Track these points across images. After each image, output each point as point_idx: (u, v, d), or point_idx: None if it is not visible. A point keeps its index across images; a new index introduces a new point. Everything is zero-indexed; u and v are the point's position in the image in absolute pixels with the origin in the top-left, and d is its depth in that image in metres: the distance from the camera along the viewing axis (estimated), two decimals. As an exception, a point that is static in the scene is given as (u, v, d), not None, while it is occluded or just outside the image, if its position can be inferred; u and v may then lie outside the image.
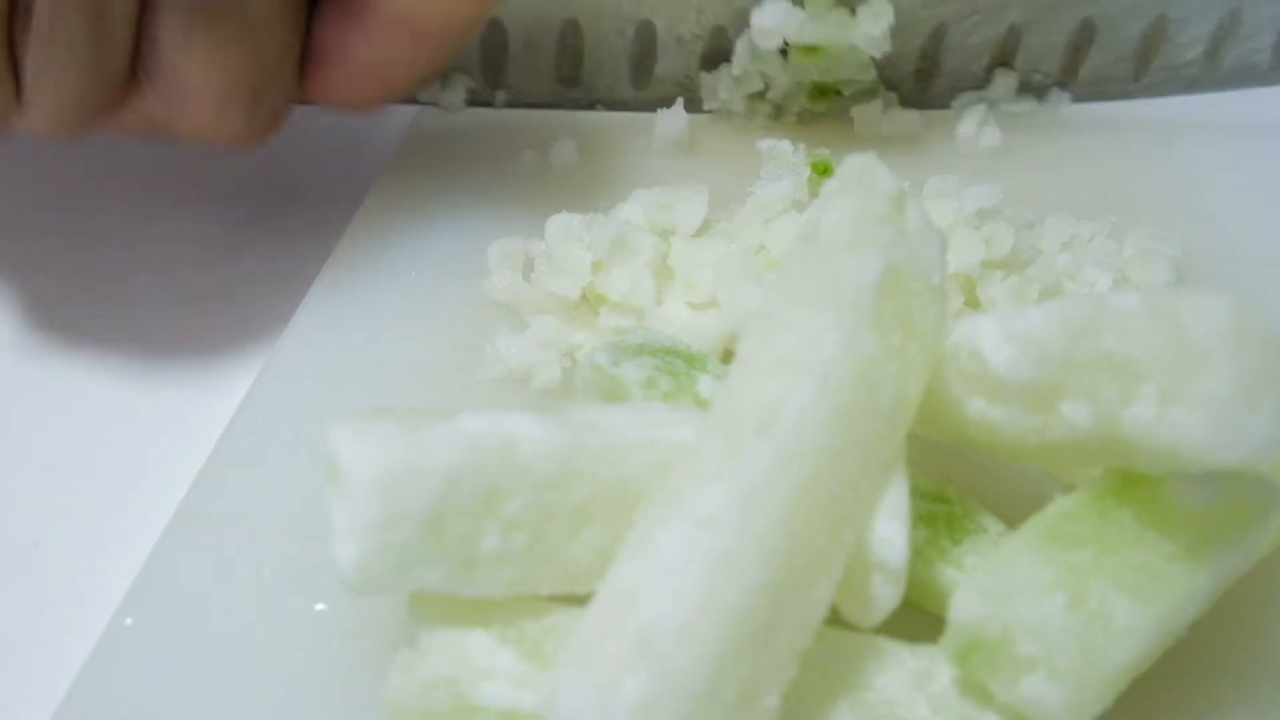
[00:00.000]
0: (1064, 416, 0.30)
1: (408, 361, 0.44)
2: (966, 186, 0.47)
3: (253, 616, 0.36)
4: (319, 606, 0.36)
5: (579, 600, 0.30)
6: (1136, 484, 0.31)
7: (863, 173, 0.33)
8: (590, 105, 0.55)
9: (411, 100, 0.52)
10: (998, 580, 0.30)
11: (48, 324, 0.50)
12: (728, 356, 0.42)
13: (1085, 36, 0.54)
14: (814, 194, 0.48)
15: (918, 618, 0.32)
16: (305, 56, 0.45)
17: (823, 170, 0.49)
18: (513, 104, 0.54)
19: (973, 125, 0.53)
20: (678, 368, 0.38)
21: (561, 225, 0.45)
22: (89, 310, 0.51)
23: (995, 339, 0.31)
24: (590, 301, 0.45)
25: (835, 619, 0.31)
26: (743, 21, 0.52)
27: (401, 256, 0.48)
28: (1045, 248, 0.46)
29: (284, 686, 0.34)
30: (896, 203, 0.32)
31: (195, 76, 0.42)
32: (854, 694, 0.30)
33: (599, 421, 0.32)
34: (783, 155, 0.49)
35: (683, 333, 0.41)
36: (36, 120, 0.42)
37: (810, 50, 0.51)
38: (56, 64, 0.40)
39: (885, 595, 0.31)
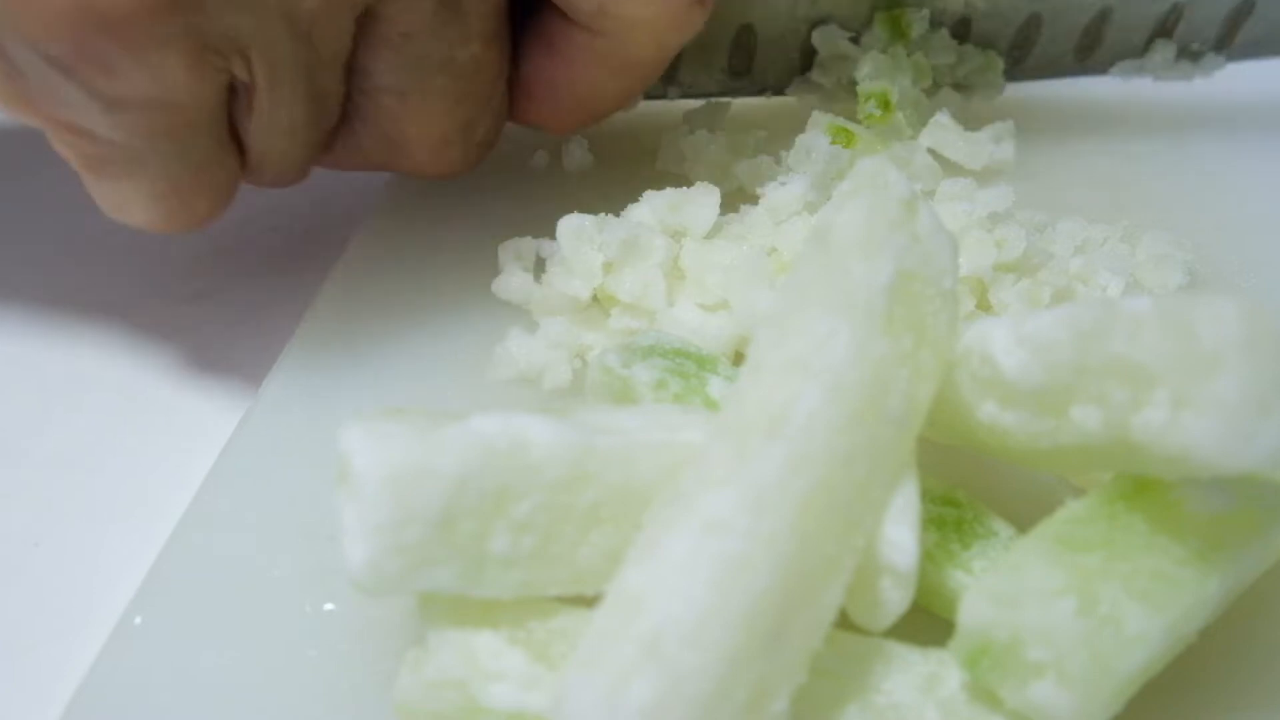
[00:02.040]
0: (1075, 421, 0.30)
1: (418, 362, 0.44)
2: (979, 189, 0.47)
3: (262, 616, 0.36)
4: (328, 606, 0.36)
5: (588, 602, 0.30)
6: (1147, 489, 0.31)
7: (875, 176, 0.33)
8: (760, 92, 0.56)
9: None
10: (1007, 584, 0.30)
11: (51, 322, 0.50)
12: (739, 359, 0.42)
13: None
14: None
15: (927, 622, 0.32)
16: (513, 86, 0.46)
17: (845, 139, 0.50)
18: (684, 96, 0.55)
19: (989, 137, 0.52)
20: (688, 370, 0.38)
21: (573, 226, 0.45)
22: (98, 305, 0.51)
23: (1006, 343, 0.31)
24: (601, 303, 0.45)
25: (844, 622, 0.31)
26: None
27: (413, 256, 0.48)
28: (1057, 251, 0.46)
29: (293, 686, 0.34)
30: (908, 206, 0.32)
31: (410, 129, 0.43)
32: (863, 697, 0.30)
33: (609, 423, 0.32)
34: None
35: (693, 334, 0.41)
36: (261, 180, 0.44)
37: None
38: (279, 139, 0.42)
39: (895, 599, 0.31)
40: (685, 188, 0.47)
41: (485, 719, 0.30)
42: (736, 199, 0.49)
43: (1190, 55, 0.56)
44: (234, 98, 0.40)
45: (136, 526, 0.41)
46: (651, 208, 0.46)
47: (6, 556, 0.41)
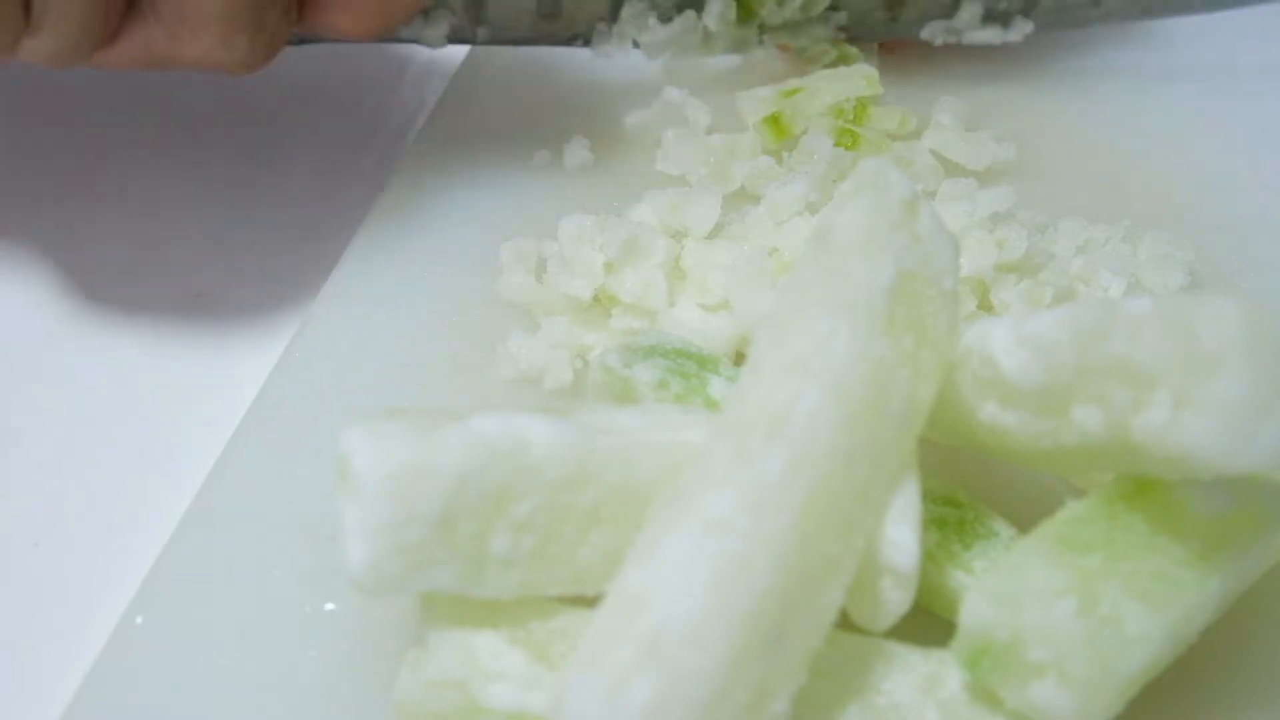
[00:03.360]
0: (1075, 422, 0.30)
1: (420, 362, 0.44)
2: (980, 190, 0.47)
3: (263, 615, 0.36)
4: (329, 606, 0.36)
5: (588, 602, 0.30)
6: (1148, 490, 0.31)
7: (876, 176, 0.33)
8: (569, 40, 0.55)
9: (394, 39, 0.52)
10: (1008, 585, 0.30)
11: (51, 322, 0.50)
12: (739, 359, 0.42)
13: None
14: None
15: (928, 622, 0.32)
16: None
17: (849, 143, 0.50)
18: (493, 40, 0.54)
19: (991, 137, 0.52)
20: (689, 370, 0.38)
21: (574, 226, 0.45)
22: (98, 305, 0.51)
23: (1007, 343, 0.31)
24: (602, 303, 0.45)
25: (845, 623, 0.31)
26: None
27: (415, 256, 0.48)
28: (1059, 251, 0.46)
29: (294, 686, 0.34)
30: (909, 206, 0.32)
31: (199, 2, 0.42)
32: (863, 698, 0.30)
33: (610, 423, 0.32)
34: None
35: (695, 335, 0.41)
36: (41, 46, 0.43)
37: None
38: None
39: (895, 599, 0.31)
40: (686, 188, 0.47)
41: (485, 719, 0.30)
42: (738, 199, 0.49)
43: (998, 18, 0.57)
44: None
45: (136, 526, 0.41)
46: (653, 207, 0.46)
47: (6, 556, 0.41)
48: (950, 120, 0.53)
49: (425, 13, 0.52)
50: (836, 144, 0.50)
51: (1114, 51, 0.60)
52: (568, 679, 0.27)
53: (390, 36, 0.52)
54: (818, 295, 0.31)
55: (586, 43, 0.55)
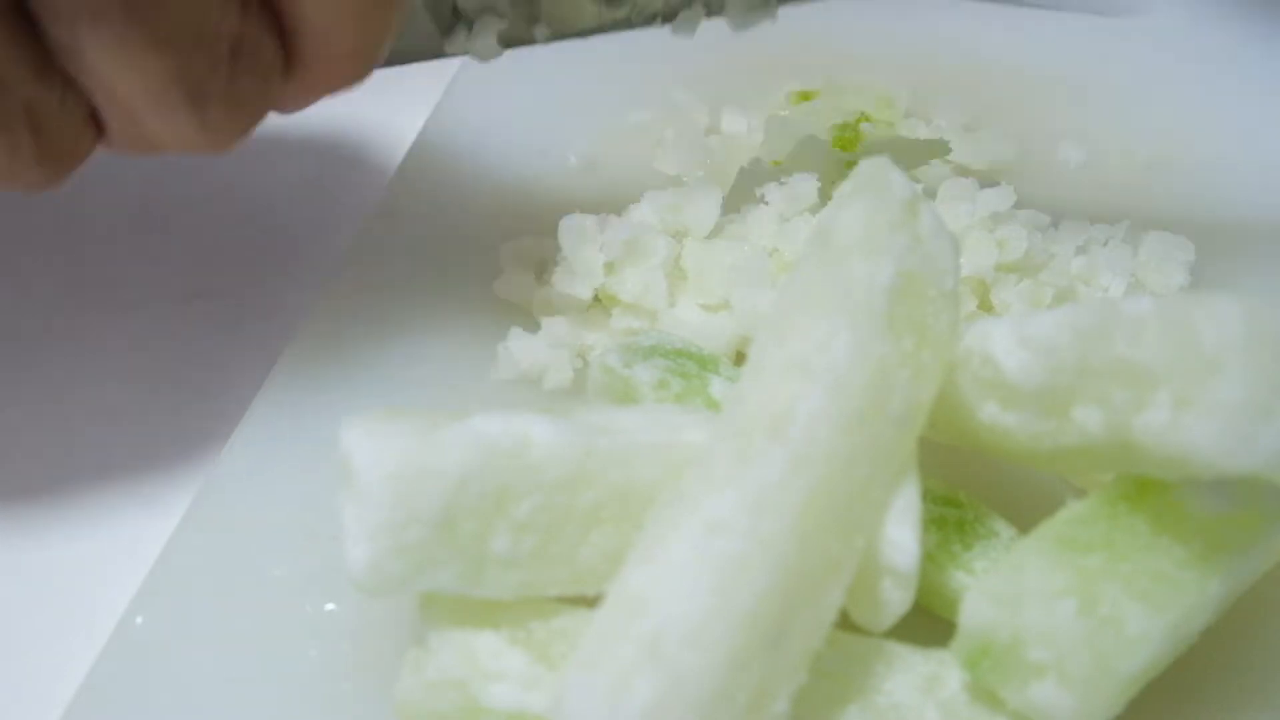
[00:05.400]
0: (1076, 422, 0.30)
1: (420, 361, 0.44)
2: (980, 190, 0.47)
3: (264, 615, 0.36)
4: (330, 606, 0.36)
5: (588, 602, 0.30)
6: (1148, 490, 0.31)
7: (876, 176, 0.33)
8: (645, 23, 0.49)
9: (439, 54, 0.47)
10: (1008, 585, 0.30)
11: (50, 322, 0.50)
12: (740, 359, 0.42)
13: None
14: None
15: (928, 622, 0.32)
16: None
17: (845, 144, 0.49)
18: (555, 37, 0.48)
19: (992, 136, 0.52)
20: (690, 370, 0.38)
21: (575, 226, 0.45)
22: (98, 304, 0.51)
23: (1008, 343, 0.31)
24: (603, 303, 0.45)
25: (845, 623, 0.31)
26: None
27: (414, 256, 0.48)
28: (1059, 251, 0.46)
29: (295, 685, 0.34)
30: (910, 206, 0.32)
31: (117, 85, 0.36)
32: (863, 698, 0.30)
33: (610, 424, 0.32)
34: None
35: (695, 335, 0.41)
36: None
37: None
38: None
39: (896, 600, 0.31)
40: (686, 188, 0.47)
41: (485, 719, 0.30)
42: (738, 199, 0.49)
43: None
44: None
45: (136, 526, 0.41)
46: (653, 207, 0.46)
47: (6, 556, 0.41)
48: (950, 120, 0.53)
49: (468, 23, 0.47)
50: (834, 144, 0.50)
51: (1115, 50, 0.60)
52: (568, 679, 0.27)
53: (428, 55, 0.47)
54: (818, 295, 0.31)
55: (666, 20, 0.48)
